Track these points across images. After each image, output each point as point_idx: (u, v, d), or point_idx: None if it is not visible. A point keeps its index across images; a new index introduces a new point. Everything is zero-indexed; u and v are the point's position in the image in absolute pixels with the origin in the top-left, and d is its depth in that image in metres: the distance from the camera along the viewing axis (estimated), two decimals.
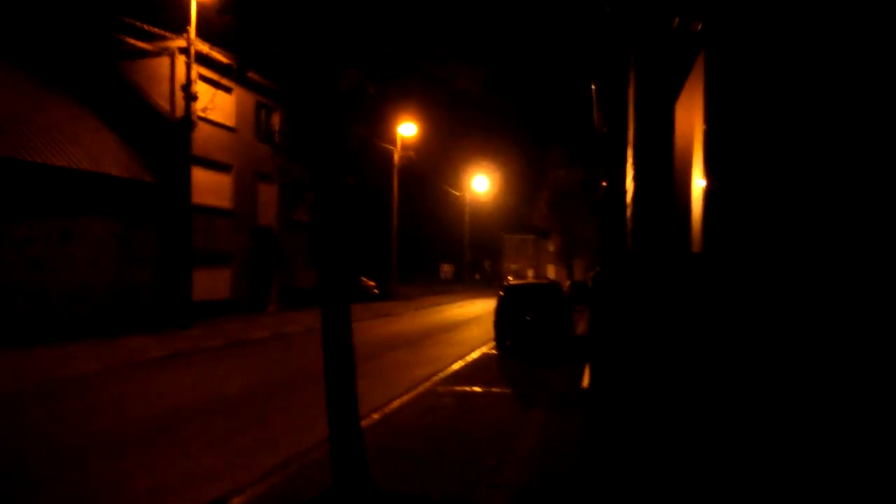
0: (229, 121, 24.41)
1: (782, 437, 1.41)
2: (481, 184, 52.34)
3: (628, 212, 3.54)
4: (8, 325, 15.42)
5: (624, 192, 4.17)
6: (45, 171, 16.42)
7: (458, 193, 50.89)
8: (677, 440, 1.51)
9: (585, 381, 1.95)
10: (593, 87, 8.77)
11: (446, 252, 62.94)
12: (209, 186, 23.11)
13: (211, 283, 22.96)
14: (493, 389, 10.60)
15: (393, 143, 35.14)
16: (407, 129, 35.25)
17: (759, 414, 1.45)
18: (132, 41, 19.27)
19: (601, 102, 7.75)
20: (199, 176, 21.83)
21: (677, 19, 3.17)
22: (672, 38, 3.16)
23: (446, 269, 66.06)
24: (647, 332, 1.50)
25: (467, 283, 57.47)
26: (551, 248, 50.98)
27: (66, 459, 6.86)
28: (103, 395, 10.19)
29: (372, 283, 38.17)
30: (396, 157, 35.29)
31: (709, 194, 2.10)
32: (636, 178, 3.27)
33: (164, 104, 21.50)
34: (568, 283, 37.07)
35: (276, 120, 26.89)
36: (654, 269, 1.52)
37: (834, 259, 1.69)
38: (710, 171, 2.15)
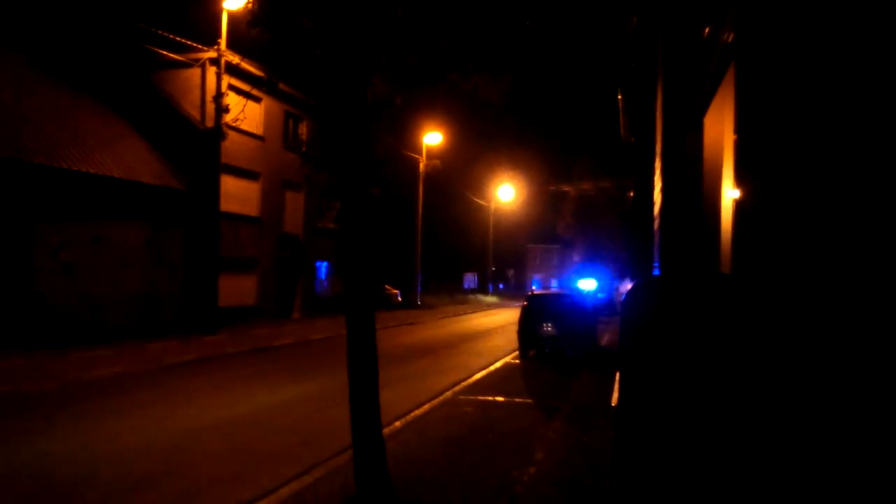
0: (258, 130, 24.77)
1: (822, 475, 1.38)
2: (506, 193, 52.27)
3: (656, 223, 3.50)
4: (41, 327, 15.81)
5: (651, 203, 4.13)
6: (77, 177, 16.81)
7: (482, 202, 50.89)
8: (711, 468, 1.49)
9: (614, 400, 1.92)
10: (620, 97, 8.73)
11: (470, 261, 62.85)
12: (237, 194, 23.44)
13: (236, 290, 23.24)
14: (516, 399, 10.54)
15: (418, 152, 35.31)
16: (432, 139, 35.42)
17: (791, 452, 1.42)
18: (164, 52, 19.70)
19: (628, 113, 7.69)
20: (228, 183, 22.16)
21: (708, 29, 3.14)
22: (702, 50, 3.12)
23: (470, 278, 65.94)
24: (678, 358, 1.48)
25: (491, 292, 57.35)
26: (576, 257, 50.67)
27: (94, 462, 6.97)
28: (131, 397, 10.36)
29: (395, 292, 38.27)
30: (422, 166, 35.45)
31: (739, 208, 2.06)
32: (664, 191, 3.23)
33: (195, 113, 21.92)
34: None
35: (303, 129, 27.23)
36: (684, 292, 1.50)
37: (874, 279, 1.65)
38: (740, 184, 2.11)
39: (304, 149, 24.14)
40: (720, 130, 2.77)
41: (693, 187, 3.14)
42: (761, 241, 1.85)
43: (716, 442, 1.42)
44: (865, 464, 1.35)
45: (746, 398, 1.40)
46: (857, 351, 1.36)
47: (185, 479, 6.46)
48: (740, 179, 2.02)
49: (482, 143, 64.91)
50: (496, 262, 58.22)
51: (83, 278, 17.07)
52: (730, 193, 2.33)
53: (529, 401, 10.50)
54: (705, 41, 3.07)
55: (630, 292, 1.51)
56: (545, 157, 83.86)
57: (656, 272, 3.67)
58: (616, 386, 1.71)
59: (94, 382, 11.55)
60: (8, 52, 19.50)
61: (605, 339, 19.70)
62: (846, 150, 1.76)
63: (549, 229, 55.36)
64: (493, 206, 51.88)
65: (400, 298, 38.02)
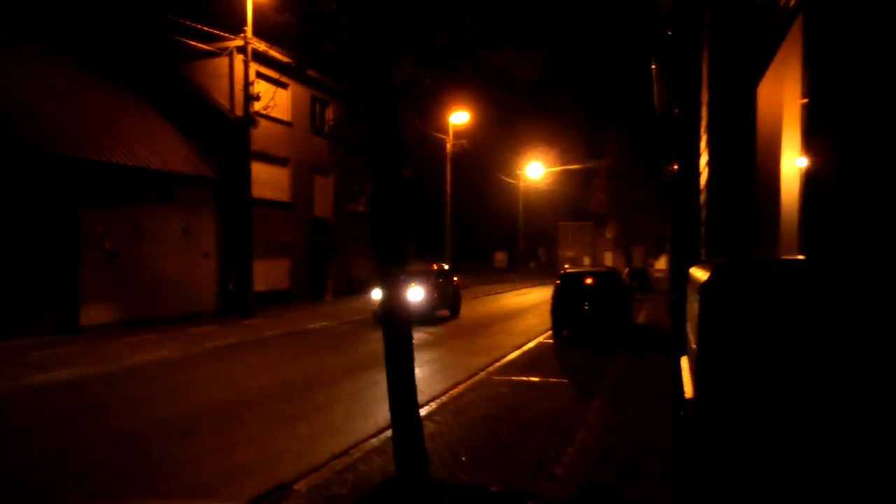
0: (286, 116, 24.86)
1: None
2: (536, 170, 51.58)
3: (702, 197, 3.35)
4: (90, 314, 16.46)
5: (696, 176, 3.97)
6: (119, 170, 17.47)
7: (511, 181, 50.39)
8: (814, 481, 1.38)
9: (688, 392, 1.82)
10: (654, 66, 8.46)
11: (500, 240, 62.60)
12: (268, 180, 23.66)
13: (270, 274, 23.56)
14: (551, 379, 10.47)
15: (445, 132, 35.06)
16: (459, 118, 35.03)
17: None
18: (191, 42, 19.81)
19: (666, 82, 7.44)
20: (258, 170, 22.36)
21: None
22: (758, 7, 2.90)
23: (500, 258, 65.74)
24: (775, 355, 1.37)
25: (521, 271, 57.04)
26: (609, 235, 49.93)
27: (140, 442, 7.14)
28: (178, 379, 10.63)
29: None
30: (449, 147, 35.20)
31: (809, 180, 1.88)
32: (711, 164, 3.09)
33: (224, 102, 22.09)
34: (626, 270, 36.33)
35: (329, 114, 27.23)
36: (782, 280, 1.38)
37: None
38: (811, 153, 1.91)
39: (327, 131, 24.13)
40: (778, 97, 2.60)
41: (745, 159, 2.98)
42: (840, 217, 1.70)
43: (814, 443, 1.32)
44: None
45: (850, 406, 1.29)
46: None
47: (225, 459, 6.57)
48: (811, 148, 1.86)
49: (511, 121, 64.06)
50: (527, 240, 57.78)
51: (125, 266, 17.71)
52: (797, 162, 2.17)
53: (564, 381, 10.42)
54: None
55: (713, 279, 1.41)
56: (576, 132, 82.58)
57: (708, 250, 3.51)
58: (687, 376, 1.63)
59: (147, 366, 11.88)
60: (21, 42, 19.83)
61: (641, 318, 19.46)
62: None
63: (581, 206, 54.65)
64: (522, 183, 51.32)
65: None
